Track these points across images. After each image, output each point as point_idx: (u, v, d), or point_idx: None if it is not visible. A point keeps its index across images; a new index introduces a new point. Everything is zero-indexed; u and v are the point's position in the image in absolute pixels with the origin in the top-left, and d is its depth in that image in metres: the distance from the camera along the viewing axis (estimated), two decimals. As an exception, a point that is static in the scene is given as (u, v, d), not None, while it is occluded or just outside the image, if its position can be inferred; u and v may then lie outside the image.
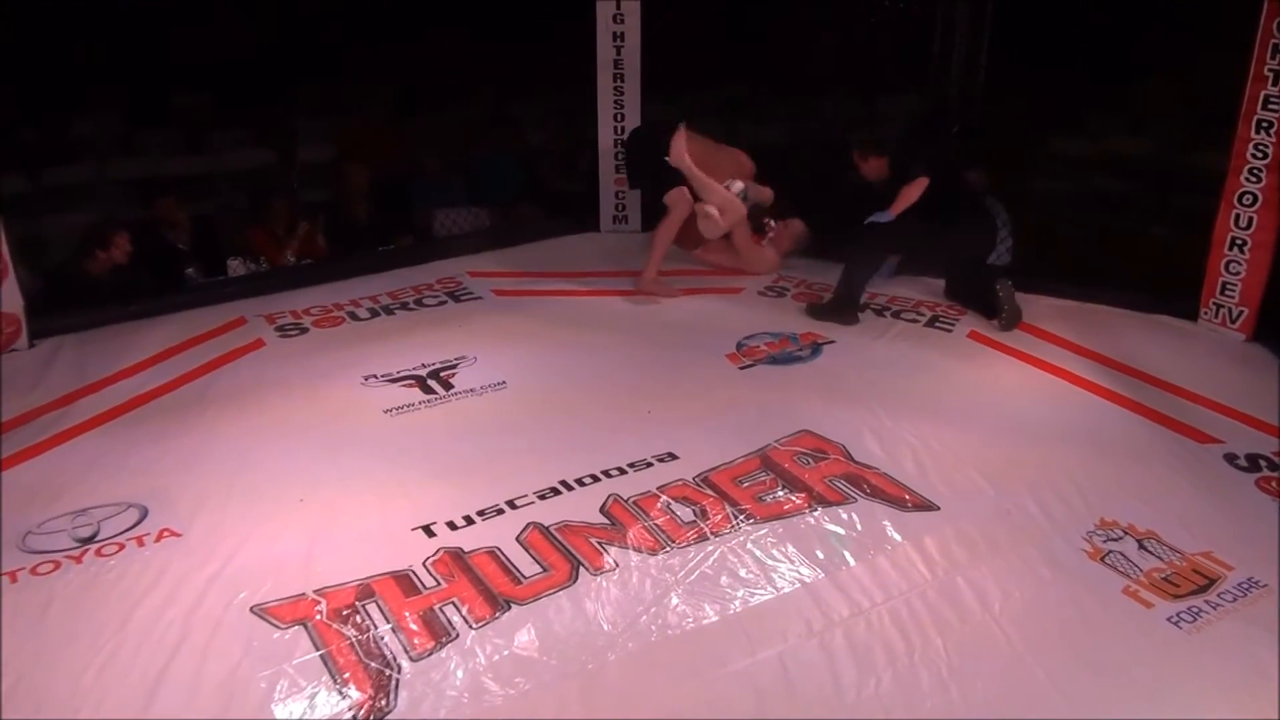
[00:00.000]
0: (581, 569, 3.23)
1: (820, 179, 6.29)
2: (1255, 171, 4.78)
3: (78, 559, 3.32)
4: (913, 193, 5.15)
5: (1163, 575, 3.22)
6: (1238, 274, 4.94)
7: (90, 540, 3.42)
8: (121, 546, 3.39)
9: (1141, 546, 3.36)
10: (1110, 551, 3.34)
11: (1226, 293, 5.00)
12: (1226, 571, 3.23)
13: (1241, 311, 4.96)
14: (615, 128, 6.59)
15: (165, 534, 3.45)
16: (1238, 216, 4.88)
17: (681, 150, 5.56)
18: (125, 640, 2.93)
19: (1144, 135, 7.26)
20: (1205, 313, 5.10)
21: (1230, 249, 4.94)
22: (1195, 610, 3.06)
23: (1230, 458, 3.93)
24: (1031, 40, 6.36)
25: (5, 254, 4.80)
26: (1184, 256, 5.29)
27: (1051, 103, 6.61)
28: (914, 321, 5.28)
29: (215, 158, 7.54)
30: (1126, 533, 3.43)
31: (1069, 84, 6.57)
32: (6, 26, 5.89)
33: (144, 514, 3.57)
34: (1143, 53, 6.73)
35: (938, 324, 5.25)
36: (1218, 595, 3.12)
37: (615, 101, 6.55)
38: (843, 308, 5.25)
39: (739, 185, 5.64)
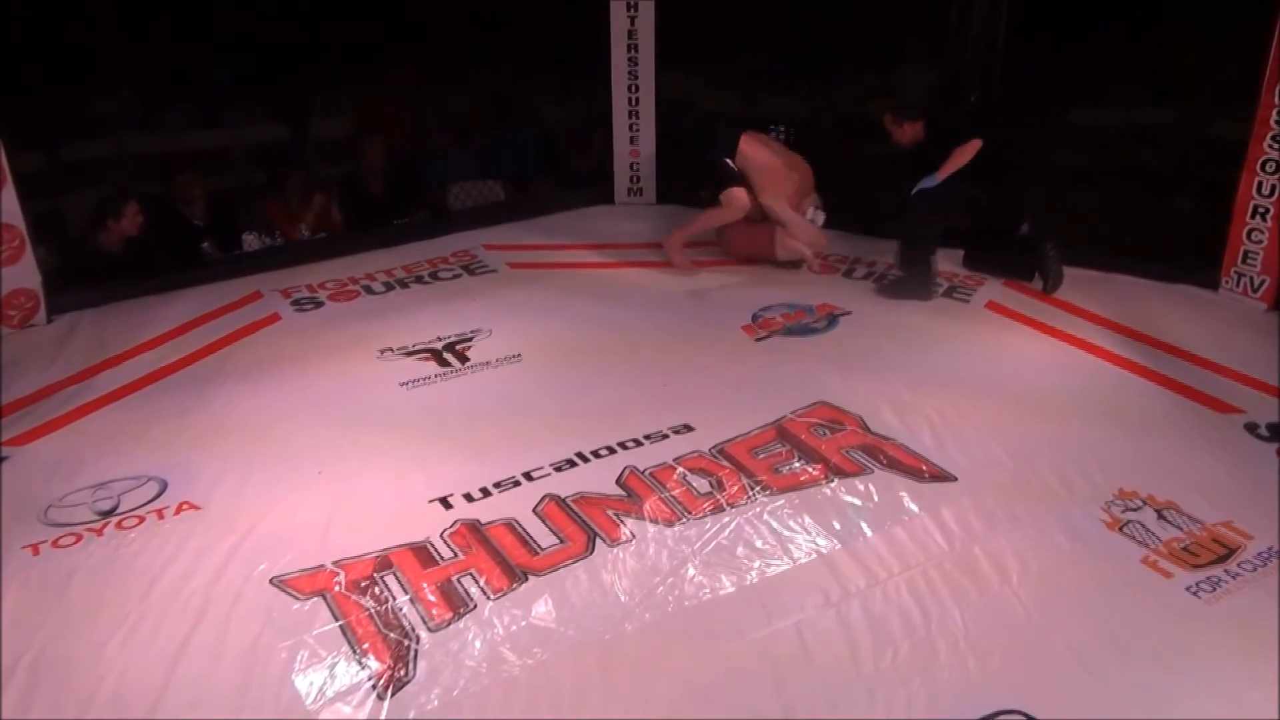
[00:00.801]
0: (598, 540, 3.23)
1: (841, 153, 6.23)
2: (1278, 139, 4.71)
3: (99, 532, 3.35)
4: (965, 154, 5.05)
5: (1182, 545, 3.20)
6: (1260, 243, 4.88)
7: (111, 513, 3.45)
8: (142, 519, 3.41)
9: (1161, 516, 3.34)
10: (1129, 522, 3.32)
11: (1248, 261, 4.95)
12: (1246, 541, 3.21)
13: (1264, 280, 4.91)
14: (630, 99, 6.57)
15: (185, 507, 3.48)
16: (1260, 184, 4.82)
17: (779, 195, 5.48)
18: (147, 611, 2.96)
19: (1166, 105, 7.17)
20: (1227, 282, 5.06)
21: (1252, 217, 4.88)
22: (1215, 580, 3.04)
23: (1251, 427, 3.91)
24: (1050, 9, 6.27)
25: (22, 228, 4.82)
26: (1206, 226, 5.24)
27: (1071, 72, 6.53)
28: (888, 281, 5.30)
29: (231, 132, 7.53)
30: (1146, 503, 3.41)
31: (1089, 53, 6.48)
32: (24, 2, 5.88)
33: (164, 487, 3.59)
34: (1165, 20, 6.63)
35: (955, 294, 5.22)
36: (1237, 565, 3.11)
37: (630, 73, 6.52)
38: (913, 283, 5.18)
39: (820, 216, 5.55)
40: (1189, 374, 4.32)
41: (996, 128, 5.31)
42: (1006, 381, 4.31)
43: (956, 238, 5.52)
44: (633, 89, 6.54)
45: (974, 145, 5.05)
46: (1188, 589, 3.01)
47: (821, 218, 5.56)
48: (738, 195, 5.43)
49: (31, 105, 6.45)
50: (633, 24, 6.40)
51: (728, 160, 5.48)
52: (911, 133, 5.25)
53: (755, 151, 5.50)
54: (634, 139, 6.67)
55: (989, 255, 5.41)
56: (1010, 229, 5.34)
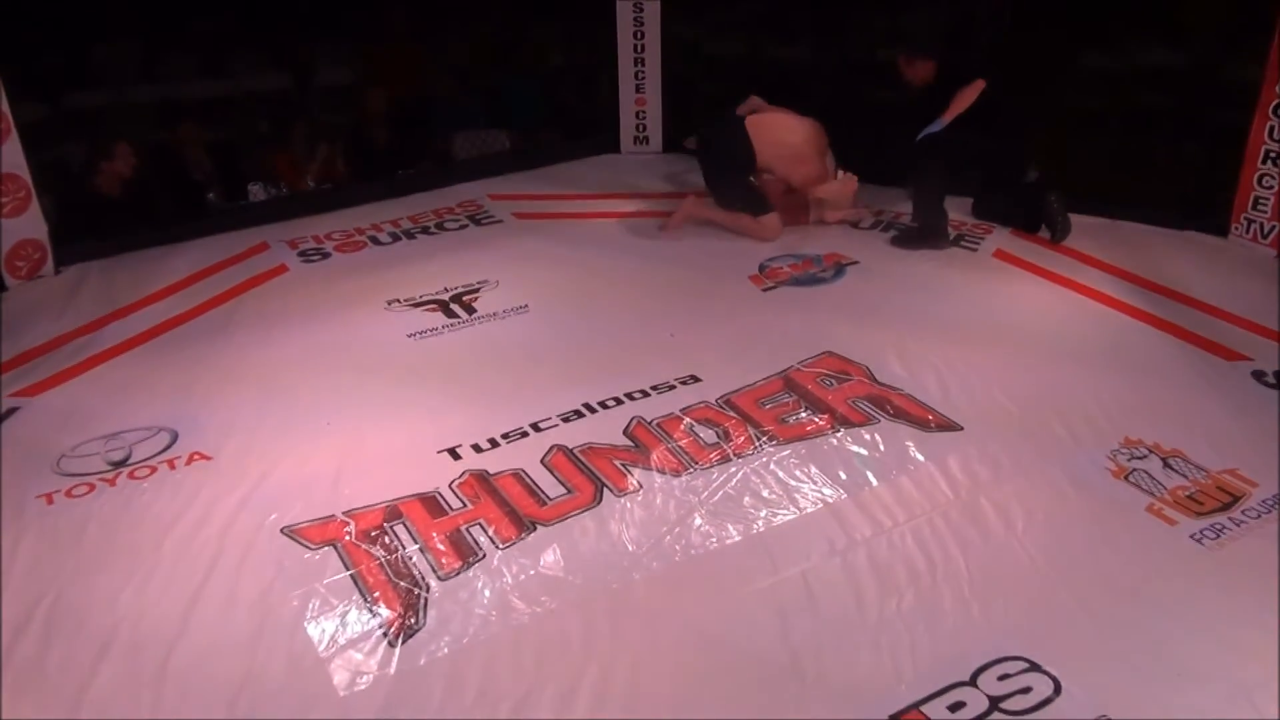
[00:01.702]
0: (606, 490, 3.26)
1: (849, 100, 6.15)
2: (1291, 82, 4.66)
3: (111, 482, 3.38)
4: (969, 96, 4.97)
5: (1187, 493, 3.21)
6: (1270, 188, 4.84)
7: (123, 463, 3.48)
8: (154, 469, 3.45)
9: (1166, 465, 3.35)
10: (1135, 470, 3.33)
11: (1258, 207, 4.91)
12: (1251, 489, 3.22)
13: (1273, 227, 4.87)
14: (635, 46, 6.49)
15: (196, 457, 3.51)
16: (1272, 129, 4.76)
17: (811, 174, 5.35)
18: (161, 561, 3.00)
19: (1177, 47, 7.06)
20: (1236, 228, 5.02)
21: (1263, 162, 4.83)
22: (1218, 527, 3.06)
23: (1258, 375, 3.90)
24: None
25: (27, 178, 4.81)
26: (1215, 171, 5.19)
27: (1081, 15, 6.43)
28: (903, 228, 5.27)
29: (234, 82, 7.47)
30: (1151, 451, 3.42)
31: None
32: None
33: (174, 438, 3.62)
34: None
35: (963, 243, 5.19)
36: (1241, 512, 3.12)
37: (635, 19, 6.44)
38: (929, 232, 5.14)
39: (852, 179, 5.40)
40: (1197, 321, 4.30)
41: (1005, 72, 5.24)
42: (1013, 330, 4.31)
43: (964, 186, 5.48)
44: (638, 36, 6.47)
45: (977, 86, 4.97)
46: (1192, 536, 3.03)
47: (852, 180, 5.42)
48: (771, 224, 5.27)
49: (34, 54, 6.41)
50: (638, -32, 6.31)
51: (752, 179, 5.34)
52: (924, 72, 5.15)
53: (772, 145, 5.31)
54: (640, 87, 6.61)
55: (996, 204, 5.38)
56: (1015, 176, 5.30)
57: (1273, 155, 4.79)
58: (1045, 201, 5.13)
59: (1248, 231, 4.97)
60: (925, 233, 5.15)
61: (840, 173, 5.41)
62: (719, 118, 5.51)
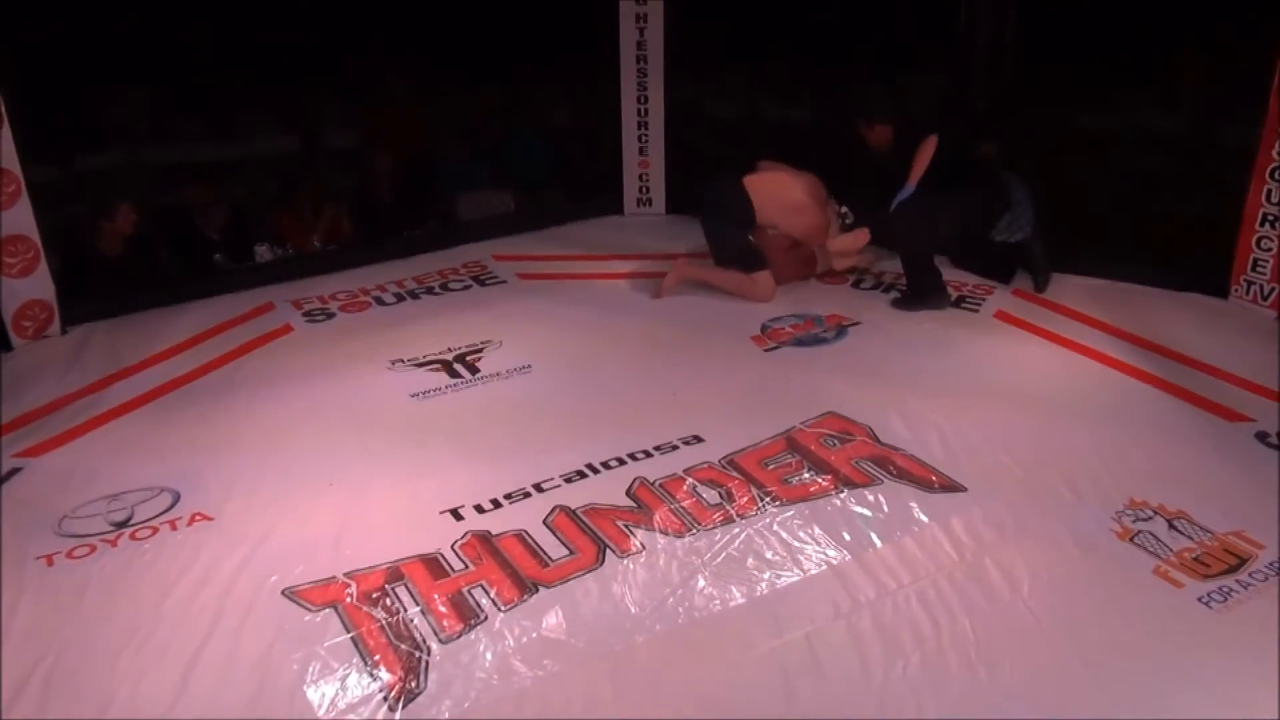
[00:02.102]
0: (608, 551, 3.24)
1: (849, 161, 6.22)
2: (1287, 146, 4.71)
3: (113, 543, 3.37)
4: (925, 154, 5.04)
5: (1193, 555, 3.20)
6: (1269, 250, 4.87)
7: (125, 524, 3.47)
8: (155, 530, 3.44)
9: (1172, 526, 3.33)
10: (1140, 531, 3.32)
11: (1258, 269, 4.94)
12: (1257, 551, 3.20)
13: (1273, 289, 4.90)
14: (639, 109, 6.59)
15: (197, 518, 3.50)
16: (1269, 192, 4.81)
17: (815, 226, 5.46)
18: (160, 622, 2.98)
19: (1175, 111, 7.16)
20: (1236, 290, 5.05)
21: (1261, 225, 4.88)
22: (1226, 590, 3.03)
23: (1262, 436, 3.90)
24: (1060, 14, 6.27)
25: (36, 239, 4.85)
26: (1214, 233, 5.22)
27: (1080, 78, 6.52)
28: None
29: (242, 144, 7.56)
30: (1157, 512, 3.41)
31: (1098, 58, 6.48)
32: (37, 14, 5.92)
33: (176, 498, 3.62)
34: (1173, 26, 6.63)
35: (964, 304, 5.22)
36: (1249, 575, 3.10)
37: (639, 83, 6.54)
38: (926, 293, 5.18)
39: (864, 232, 5.49)
40: (1199, 382, 4.31)
41: (964, 137, 5.30)
42: (1016, 390, 4.31)
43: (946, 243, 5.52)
44: (642, 99, 6.56)
45: (930, 143, 5.04)
46: (1199, 599, 3.01)
47: (850, 215, 5.53)
48: (764, 283, 5.30)
49: (45, 116, 6.50)
50: (642, 34, 6.42)
51: (750, 238, 5.37)
52: (884, 135, 5.23)
53: (772, 200, 5.38)
54: (643, 149, 6.69)
55: (971, 256, 5.42)
56: (988, 229, 5.37)
57: (1270, 218, 4.84)
58: (1028, 249, 5.24)
59: (1248, 293, 5.00)
60: (921, 296, 5.19)
61: (844, 214, 5.49)
62: (717, 176, 5.57)
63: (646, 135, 6.66)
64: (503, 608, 3.01)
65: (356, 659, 2.83)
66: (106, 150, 7.03)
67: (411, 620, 2.96)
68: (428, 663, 2.81)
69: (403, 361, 4.69)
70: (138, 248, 5.60)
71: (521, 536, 3.32)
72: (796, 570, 3.17)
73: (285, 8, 7.31)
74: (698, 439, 3.90)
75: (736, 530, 3.35)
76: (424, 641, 2.88)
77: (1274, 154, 4.76)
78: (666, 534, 3.33)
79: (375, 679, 2.76)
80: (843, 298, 5.35)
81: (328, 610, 3.01)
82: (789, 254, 5.50)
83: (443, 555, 3.24)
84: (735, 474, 3.67)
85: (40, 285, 4.94)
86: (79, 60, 6.58)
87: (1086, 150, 6.84)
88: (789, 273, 5.50)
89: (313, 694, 2.71)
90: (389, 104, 7.66)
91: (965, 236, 5.40)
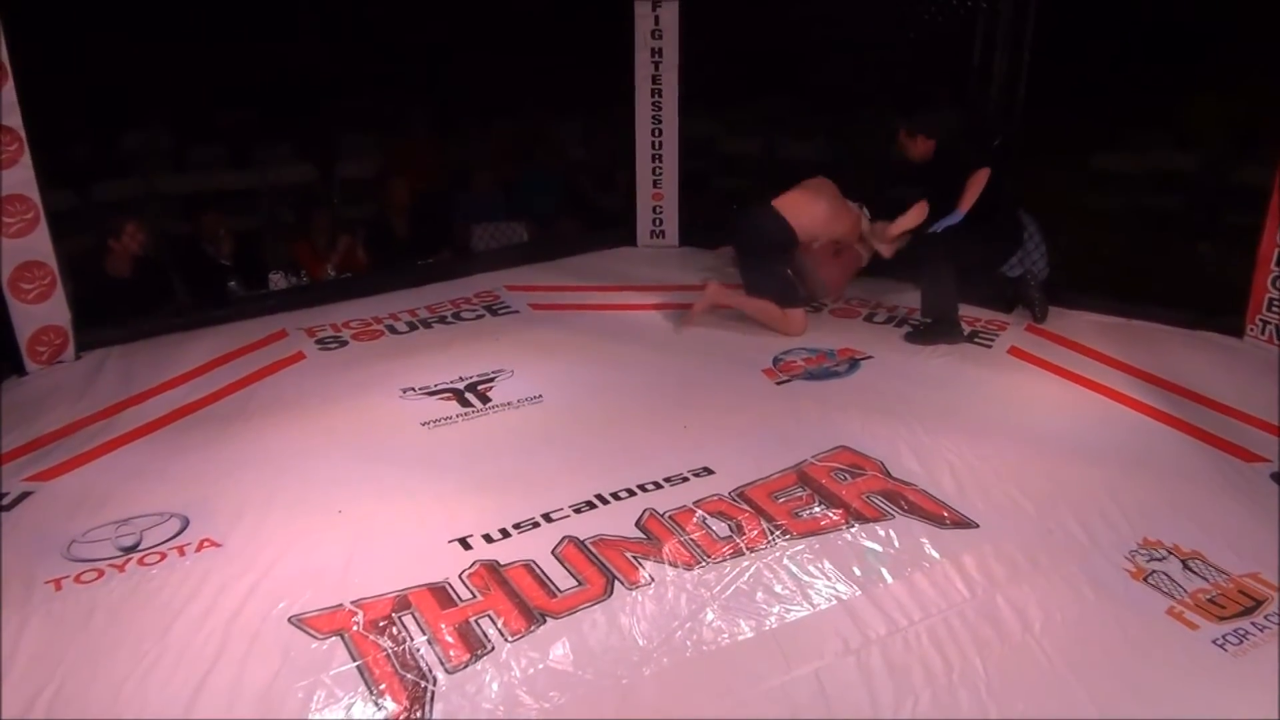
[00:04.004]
0: (617, 583, 3.22)
1: (863, 196, 6.25)
2: (1302, 185, 4.70)
3: (121, 568, 3.37)
4: (976, 186, 5.03)
5: (1208, 596, 3.16)
6: (1284, 290, 4.86)
7: (133, 549, 3.47)
8: (163, 556, 3.43)
9: (1186, 567, 3.30)
10: (1154, 572, 3.28)
11: (1272, 309, 4.92)
12: (1273, 592, 3.16)
13: (1289, 328, 4.88)
14: (653, 142, 6.63)
15: (206, 544, 3.49)
16: (1284, 232, 4.80)
17: (852, 227, 5.52)
18: (166, 649, 2.97)
19: (1189, 150, 7.17)
20: (1251, 329, 5.02)
21: (1277, 264, 4.86)
22: (1241, 632, 2.99)
23: (1277, 476, 3.86)
24: (1073, 53, 6.30)
25: (53, 265, 4.89)
26: (1229, 273, 5.21)
27: (1094, 117, 6.54)
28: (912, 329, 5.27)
29: (258, 173, 7.64)
30: (1171, 553, 3.37)
31: (1112, 98, 6.50)
32: (55, 42, 6.00)
33: (185, 524, 3.61)
34: (1188, 67, 6.65)
35: (977, 339, 5.21)
36: (1264, 617, 3.06)
37: (654, 116, 6.59)
38: (943, 328, 5.18)
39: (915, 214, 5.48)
40: (1214, 422, 4.28)
41: (1007, 169, 5.31)
42: (1029, 427, 4.29)
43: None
44: (656, 132, 6.61)
45: (983, 174, 5.03)
46: (1214, 641, 2.97)
47: (865, 208, 5.62)
48: (797, 319, 5.32)
49: (64, 144, 6.57)
50: (656, 69, 6.48)
51: (789, 272, 5.40)
52: (923, 149, 5.23)
53: (806, 214, 5.39)
54: (657, 182, 6.73)
55: (974, 286, 5.43)
56: (1001, 264, 5.42)
57: (1286, 257, 4.82)
58: (1023, 281, 5.32)
59: (1263, 333, 4.97)
60: (938, 326, 5.17)
61: (860, 207, 5.60)
62: (748, 207, 5.57)
63: (660, 168, 6.69)
64: (510, 638, 2.99)
65: (362, 688, 2.81)
66: (124, 178, 7.11)
67: (418, 649, 2.95)
68: (433, 693, 2.79)
69: (414, 390, 4.69)
70: (148, 271, 5.63)
71: (530, 566, 3.31)
72: (806, 605, 3.15)
73: (306, 41, 7.41)
74: (708, 471, 3.88)
75: (746, 563, 3.32)
76: (430, 671, 2.86)
77: (1289, 193, 4.74)
78: (675, 566, 3.31)
79: (381, 708, 2.74)
80: (855, 331, 5.35)
81: (334, 638, 3.00)
82: (838, 260, 5.56)
83: (450, 584, 3.23)
84: (745, 507, 3.65)
85: (56, 311, 4.97)
86: (100, 89, 6.66)
87: (1101, 187, 6.85)
88: (843, 277, 5.60)
89: (317, 723, 2.70)
90: (406, 136, 7.73)
91: (979, 269, 5.39)
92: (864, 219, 5.57)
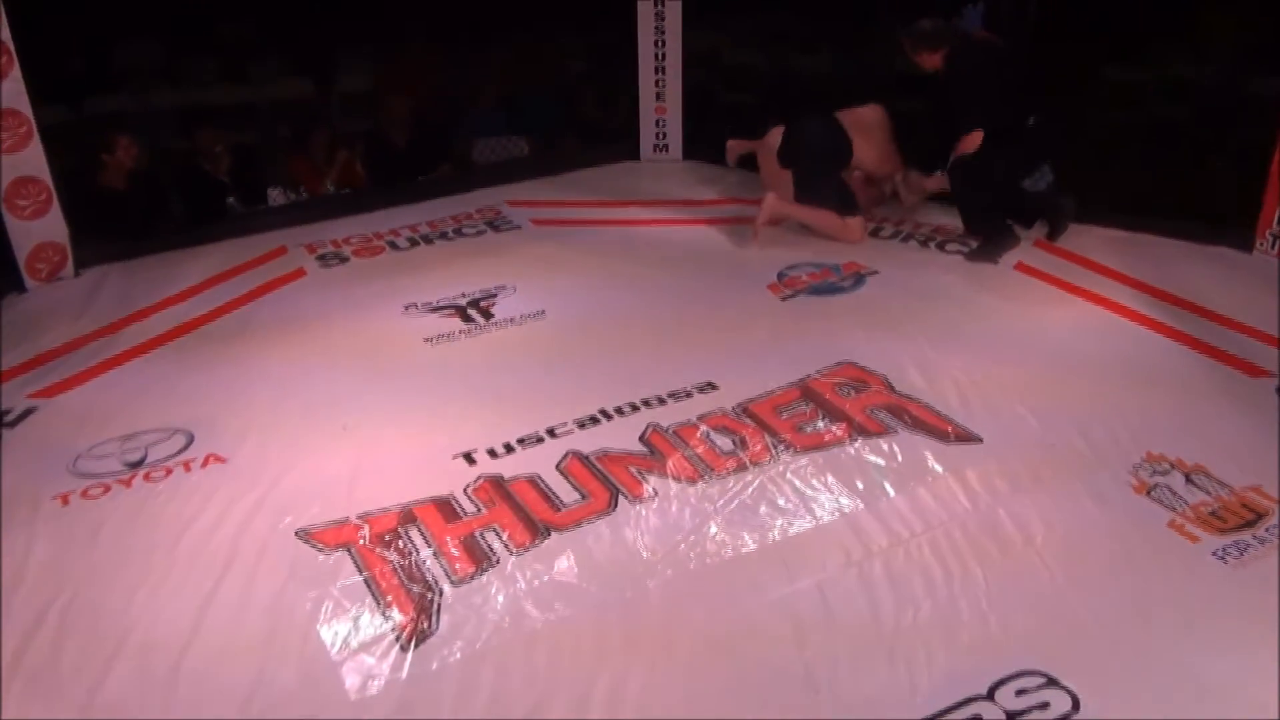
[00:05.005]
0: (621, 497, 3.24)
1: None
2: (1318, 97, 4.62)
3: (127, 483, 3.39)
4: (969, 146, 4.95)
5: (1210, 510, 3.17)
6: (1296, 203, 4.80)
7: (139, 465, 3.49)
8: (169, 471, 3.45)
9: (1189, 480, 3.31)
10: (1157, 485, 3.29)
11: (1284, 223, 4.87)
12: (1274, 505, 3.17)
13: (1299, 242, 4.83)
14: (656, 54, 6.50)
15: (211, 459, 3.51)
16: (1298, 144, 4.72)
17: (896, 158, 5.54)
18: (175, 562, 3.01)
19: (1202, 62, 7.03)
20: (1260, 243, 4.96)
21: (1289, 178, 4.79)
22: (1242, 545, 3.00)
23: (1282, 391, 3.86)
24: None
25: (49, 181, 4.84)
26: (1240, 186, 5.14)
27: (1105, 27, 6.40)
28: (959, 253, 5.18)
29: (255, 87, 7.52)
30: (1174, 466, 3.38)
31: (1123, 7, 6.36)
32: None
33: (190, 440, 3.63)
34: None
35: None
36: (1265, 529, 3.06)
37: (656, 28, 6.45)
38: (995, 239, 5.10)
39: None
40: (1220, 336, 4.25)
41: (1014, 90, 5.20)
42: (1034, 343, 4.26)
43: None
44: (659, 44, 6.47)
45: (975, 138, 4.93)
46: (1214, 553, 2.98)
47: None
48: (857, 226, 5.32)
49: (56, 59, 6.46)
50: (659, -24, 6.32)
51: (848, 184, 5.40)
52: (932, 61, 5.09)
53: (865, 148, 5.41)
54: (660, 95, 6.61)
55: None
56: (1027, 177, 5.36)
57: (1298, 170, 4.75)
58: (1058, 201, 5.26)
59: (1272, 247, 4.91)
60: (992, 243, 5.10)
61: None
62: (811, 118, 5.48)
63: (663, 80, 6.57)
64: (515, 551, 3.01)
65: (369, 600, 2.84)
66: (118, 93, 7.00)
67: (424, 562, 2.97)
68: (440, 604, 2.82)
69: (416, 306, 4.67)
70: (143, 185, 5.56)
71: (534, 481, 3.32)
72: (809, 518, 3.16)
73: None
74: (711, 386, 3.88)
75: (749, 478, 3.34)
76: (436, 583, 2.89)
77: (1304, 105, 4.66)
78: (679, 480, 3.32)
79: (388, 619, 2.77)
80: (861, 246, 5.29)
81: (341, 552, 3.03)
82: (867, 191, 5.59)
83: (455, 498, 3.25)
84: (749, 421, 3.65)
85: (54, 227, 4.93)
86: (91, 2, 6.52)
87: (1112, 100, 6.74)
88: (866, 207, 5.61)
89: (326, 633, 2.73)
90: (404, 48, 7.59)
91: (1004, 184, 5.32)
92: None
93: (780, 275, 4.93)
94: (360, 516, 3.17)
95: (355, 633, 2.73)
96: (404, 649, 2.68)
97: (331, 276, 5.10)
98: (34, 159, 4.77)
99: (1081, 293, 4.72)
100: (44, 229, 4.89)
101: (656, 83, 6.56)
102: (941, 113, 5.17)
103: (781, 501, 3.23)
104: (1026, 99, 5.07)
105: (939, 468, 3.39)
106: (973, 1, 5.05)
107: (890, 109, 5.59)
